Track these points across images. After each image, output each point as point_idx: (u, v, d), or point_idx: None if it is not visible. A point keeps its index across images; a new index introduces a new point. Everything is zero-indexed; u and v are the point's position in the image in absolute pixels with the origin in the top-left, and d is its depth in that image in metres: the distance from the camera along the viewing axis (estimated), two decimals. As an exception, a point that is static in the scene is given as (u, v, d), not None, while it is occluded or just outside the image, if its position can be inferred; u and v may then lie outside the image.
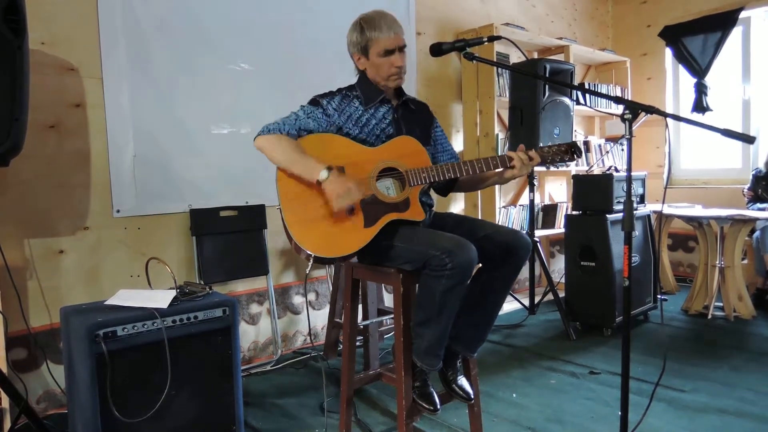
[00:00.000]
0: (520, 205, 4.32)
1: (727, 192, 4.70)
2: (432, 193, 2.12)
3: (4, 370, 1.96)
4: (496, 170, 1.91)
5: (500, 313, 1.95)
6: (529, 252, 1.86)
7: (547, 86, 3.55)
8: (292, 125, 1.82)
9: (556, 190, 4.84)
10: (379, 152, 1.87)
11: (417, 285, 1.83)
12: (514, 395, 2.57)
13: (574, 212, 3.72)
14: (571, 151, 1.90)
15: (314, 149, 1.80)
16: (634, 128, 1.57)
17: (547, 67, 3.58)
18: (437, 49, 1.90)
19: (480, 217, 4.05)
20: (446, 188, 2.13)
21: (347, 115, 1.91)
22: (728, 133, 1.50)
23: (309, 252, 1.71)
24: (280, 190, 1.77)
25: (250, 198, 3.05)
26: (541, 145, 1.94)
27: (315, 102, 1.90)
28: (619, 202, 3.46)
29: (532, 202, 3.89)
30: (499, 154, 3.93)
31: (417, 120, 2.05)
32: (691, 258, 5.05)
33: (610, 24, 5.66)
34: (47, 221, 2.43)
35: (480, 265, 1.90)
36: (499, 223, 4.05)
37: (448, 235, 1.73)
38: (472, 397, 1.93)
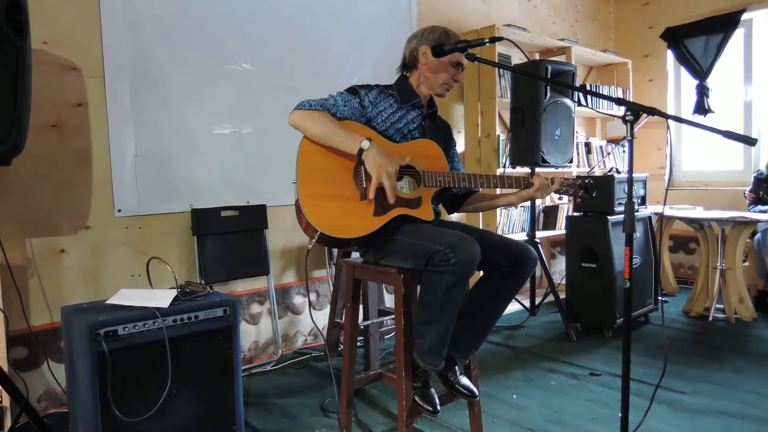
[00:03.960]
0: (522, 207, 4.32)
1: (729, 194, 4.70)
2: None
3: (5, 368, 1.96)
4: (509, 191, 1.96)
5: (501, 316, 1.96)
6: (536, 265, 1.89)
7: (548, 87, 3.55)
8: (330, 107, 1.82)
9: (558, 191, 4.84)
10: (400, 149, 1.89)
11: (419, 285, 1.83)
12: (515, 396, 2.57)
13: (575, 214, 3.72)
14: (585, 187, 1.92)
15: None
16: (635, 130, 1.57)
17: (549, 68, 3.58)
18: (439, 50, 1.90)
19: (481, 218, 4.06)
20: (454, 205, 2.16)
21: (379, 110, 1.93)
22: (730, 135, 1.50)
23: (316, 228, 1.72)
24: (300, 164, 1.77)
25: (251, 198, 3.06)
26: (556, 173, 1.99)
27: (353, 91, 1.90)
28: (620, 204, 3.46)
29: (533, 203, 3.89)
30: (501, 156, 3.98)
31: (440, 135, 2.10)
32: (692, 260, 5.05)
33: (612, 25, 5.66)
34: (49, 220, 2.44)
35: (483, 273, 1.91)
36: (500, 228, 4.06)
37: (452, 231, 1.75)
38: (477, 393, 1.93)
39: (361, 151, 1.73)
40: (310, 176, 1.76)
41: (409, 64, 2.02)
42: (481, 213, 4.05)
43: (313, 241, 1.77)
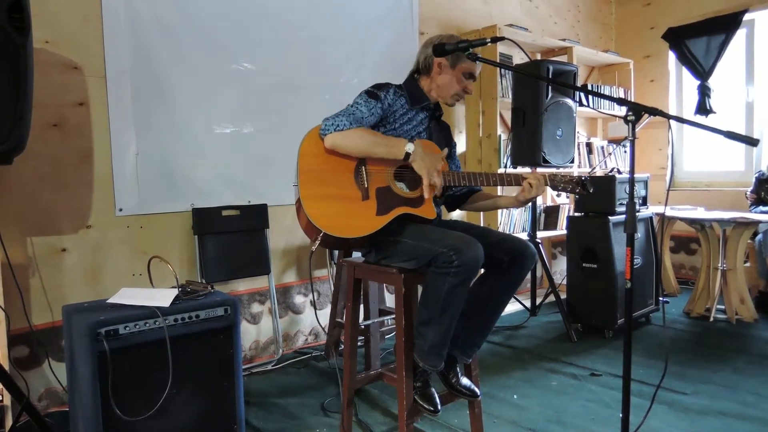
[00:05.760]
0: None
1: (730, 194, 4.69)
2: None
3: (6, 367, 1.97)
4: (508, 197, 2.02)
5: (501, 314, 1.97)
6: (535, 262, 1.91)
7: (549, 87, 3.55)
8: (360, 120, 1.81)
9: (559, 191, 4.84)
10: None
11: (421, 285, 1.83)
12: (515, 396, 2.57)
13: (576, 214, 3.72)
14: (582, 184, 1.92)
15: None
16: (636, 130, 1.57)
17: (550, 68, 3.58)
18: (440, 50, 1.90)
19: (482, 218, 4.06)
20: (456, 203, 2.18)
21: (393, 110, 1.95)
22: (731, 136, 1.50)
23: (319, 228, 1.72)
24: (300, 166, 1.78)
25: (252, 197, 3.06)
26: (554, 172, 1.99)
27: (375, 96, 1.90)
28: (621, 204, 3.46)
29: (534, 203, 3.89)
30: (502, 156, 3.97)
31: (443, 137, 2.14)
32: (693, 260, 5.04)
33: (614, 26, 5.65)
34: (50, 219, 2.44)
35: (483, 270, 1.91)
36: (501, 227, 4.06)
37: (455, 234, 1.75)
38: (479, 393, 1.93)
39: (407, 155, 1.76)
40: (310, 178, 1.77)
41: (422, 69, 2.04)
42: (482, 212, 4.06)
43: (317, 242, 1.77)
